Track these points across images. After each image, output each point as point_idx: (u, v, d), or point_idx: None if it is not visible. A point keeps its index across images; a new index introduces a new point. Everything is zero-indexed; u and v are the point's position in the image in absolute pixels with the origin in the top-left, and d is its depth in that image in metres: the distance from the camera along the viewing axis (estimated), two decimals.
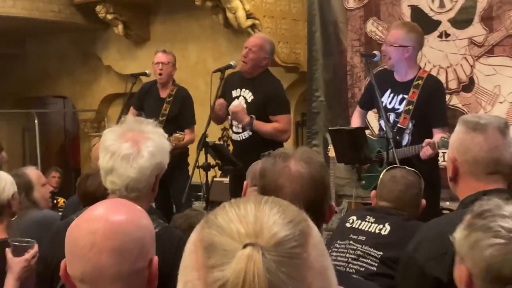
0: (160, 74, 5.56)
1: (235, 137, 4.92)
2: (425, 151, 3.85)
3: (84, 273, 1.39)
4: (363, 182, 4.29)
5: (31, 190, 3.72)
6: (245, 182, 2.59)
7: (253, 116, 4.72)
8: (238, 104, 4.81)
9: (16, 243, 2.70)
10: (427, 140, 3.88)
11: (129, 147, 2.10)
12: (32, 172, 3.90)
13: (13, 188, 3.03)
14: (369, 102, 4.43)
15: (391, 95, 4.24)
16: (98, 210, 1.45)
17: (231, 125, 4.97)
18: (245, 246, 0.78)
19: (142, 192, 2.15)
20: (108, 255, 1.37)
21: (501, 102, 5.39)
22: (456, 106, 5.56)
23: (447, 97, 5.46)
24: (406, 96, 4.17)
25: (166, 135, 2.26)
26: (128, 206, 1.50)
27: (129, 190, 2.12)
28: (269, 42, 5.00)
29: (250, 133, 4.83)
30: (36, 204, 3.78)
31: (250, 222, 0.81)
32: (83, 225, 1.41)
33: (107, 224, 1.39)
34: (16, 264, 2.66)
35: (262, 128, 4.75)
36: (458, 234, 1.46)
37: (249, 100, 4.86)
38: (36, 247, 2.69)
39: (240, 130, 4.87)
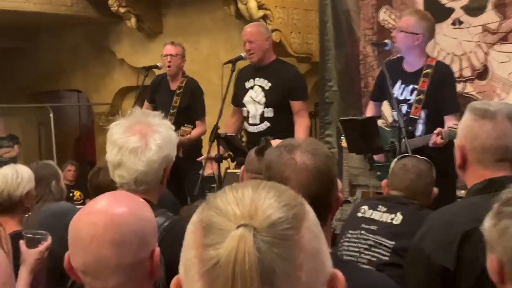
0: (169, 67, 5.57)
1: (252, 129, 4.89)
2: (433, 139, 3.81)
3: (86, 264, 1.40)
4: (378, 173, 4.26)
5: (59, 179, 3.77)
6: (242, 168, 2.59)
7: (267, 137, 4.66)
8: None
9: (29, 235, 2.73)
10: (438, 129, 3.85)
11: (137, 140, 2.09)
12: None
13: (28, 186, 3.04)
14: (380, 93, 4.40)
15: (402, 86, 4.21)
16: (100, 203, 1.46)
17: (246, 117, 4.95)
18: (238, 227, 0.81)
19: (151, 185, 2.15)
20: (109, 247, 1.39)
21: None
22: (470, 94, 5.51)
23: (462, 85, 5.42)
24: (416, 86, 4.14)
25: (173, 127, 2.26)
26: (130, 198, 1.51)
27: (137, 184, 2.12)
28: (262, 25, 5.10)
29: (268, 124, 4.80)
30: (63, 192, 3.84)
31: (246, 205, 0.84)
32: (84, 218, 1.43)
33: (108, 216, 1.40)
34: (29, 256, 2.68)
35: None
36: (487, 223, 1.43)
37: (266, 88, 4.84)
38: (49, 239, 2.71)
39: (258, 122, 4.85)
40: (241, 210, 0.84)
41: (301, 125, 4.77)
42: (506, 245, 1.38)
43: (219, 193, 0.89)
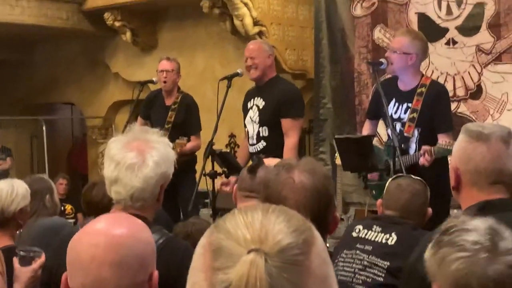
0: (164, 82, 5.56)
1: (251, 149, 4.87)
2: (422, 161, 3.85)
3: (85, 285, 1.39)
4: (374, 192, 4.27)
5: (53, 193, 3.76)
6: (234, 186, 2.58)
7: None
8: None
9: (23, 252, 2.70)
10: (424, 148, 3.87)
11: (134, 156, 2.09)
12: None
13: (23, 202, 3.01)
14: (376, 111, 4.42)
15: (396, 104, 4.23)
16: (100, 223, 1.46)
17: (247, 137, 4.95)
18: (249, 252, 0.82)
19: (147, 202, 2.15)
20: (108, 269, 1.38)
21: (509, 110, 5.37)
22: (464, 114, 5.55)
23: (455, 104, 5.45)
24: (410, 105, 4.16)
25: (171, 144, 2.26)
26: (129, 219, 1.50)
27: (134, 200, 2.11)
28: (265, 42, 5.06)
29: (264, 143, 4.78)
30: (57, 206, 3.83)
31: (256, 229, 0.85)
32: (84, 239, 1.42)
33: (108, 238, 1.40)
34: (23, 273, 2.66)
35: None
36: (427, 253, 1.47)
37: (261, 107, 4.82)
38: (43, 257, 2.68)
39: (255, 142, 4.84)
40: (251, 234, 0.84)
41: (286, 147, 4.64)
42: (444, 273, 1.40)
43: (228, 216, 0.89)
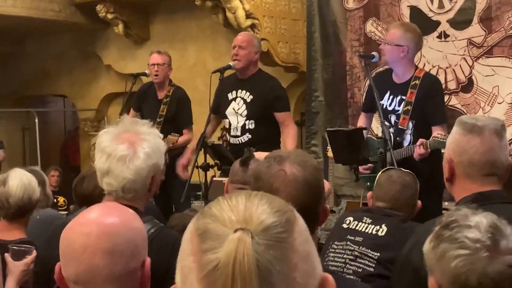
0: (156, 75, 5.56)
1: (233, 141, 4.90)
2: (417, 151, 3.86)
3: (78, 274, 1.41)
4: (368, 183, 4.29)
5: (45, 185, 3.78)
6: (226, 180, 2.60)
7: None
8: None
9: (15, 247, 2.76)
10: (420, 140, 3.89)
11: (125, 148, 2.10)
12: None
13: (38, 189, 3.07)
14: (371, 104, 4.43)
15: (391, 97, 4.25)
16: (92, 213, 1.47)
17: (228, 129, 4.96)
18: (236, 231, 0.85)
19: (139, 193, 2.16)
20: (101, 257, 1.39)
21: (499, 103, 5.39)
22: (455, 107, 5.57)
23: (446, 97, 5.47)
24: (404, 97, 4.18)
25: (162, 136, 2.27)
26: (121, 209, 1.52)
27: (125, 191, 2.13)
28: (256, 37, 5.11)
29: (250, 136, 4.82)
30: (49, 199, 3.86)
31: (240, 211, 0.88)
32: (76, 228, 1.44)
33: (100, 227, 1.41)
34: (16, 267, 2.72)
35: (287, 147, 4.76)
36: (426, 246, 1.47)
37: (248, 100, 4.86)
38: (34, 253, 2.73)
39: (239, 134, 4.86)
40: (236, 216, 0.87)
41: (289, 134, 4.86)
42: (443, 268, 1.41)
43: (213, 203, 0.92)
